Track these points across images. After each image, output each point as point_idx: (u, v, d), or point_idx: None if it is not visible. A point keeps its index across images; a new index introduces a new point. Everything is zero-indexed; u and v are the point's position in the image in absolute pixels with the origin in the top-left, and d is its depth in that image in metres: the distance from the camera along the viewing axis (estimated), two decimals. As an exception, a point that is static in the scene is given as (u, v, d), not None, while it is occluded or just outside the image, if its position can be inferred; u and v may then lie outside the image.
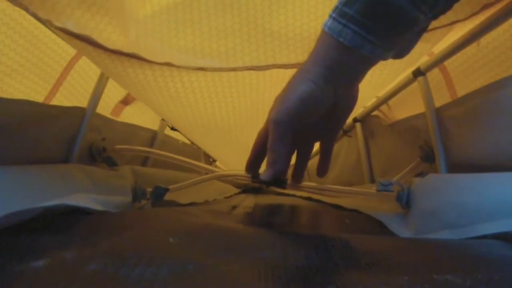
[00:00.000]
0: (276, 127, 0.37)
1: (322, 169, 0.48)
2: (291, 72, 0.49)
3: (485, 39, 0.55)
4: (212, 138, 0.94)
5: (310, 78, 0.36)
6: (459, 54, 0.59)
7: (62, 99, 0.72)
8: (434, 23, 0.44)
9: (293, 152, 0.46)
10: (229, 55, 0.57)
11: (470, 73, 0.64)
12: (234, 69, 0.60)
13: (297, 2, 0.53)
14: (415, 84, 0.72)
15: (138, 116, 1.01)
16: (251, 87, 0.66)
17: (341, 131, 1.21)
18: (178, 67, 0.58)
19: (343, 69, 0.36)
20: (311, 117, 0.39)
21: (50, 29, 0.51)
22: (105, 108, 0.85)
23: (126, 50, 0.53)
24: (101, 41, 0.51)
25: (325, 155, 0.46)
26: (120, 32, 0.52)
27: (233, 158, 1.29)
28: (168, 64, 0.57)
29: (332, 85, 0.37)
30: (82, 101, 0.71)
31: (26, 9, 0.43)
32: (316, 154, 0.50)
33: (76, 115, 0.66)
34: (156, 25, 0.52)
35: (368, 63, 0.36)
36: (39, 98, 0.68)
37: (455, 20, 0.50)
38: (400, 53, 0.38)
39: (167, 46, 0.55)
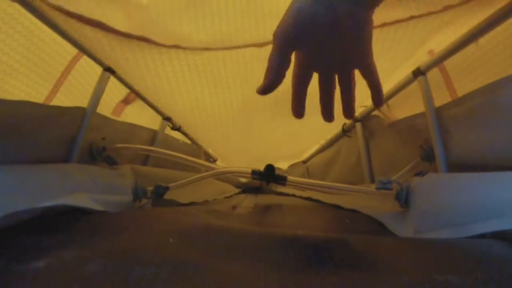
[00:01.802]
0: (274, 39, 0.38)
1: (344, 104, 0.44)
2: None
3: (484, 38, 0.55)
4: (214, 127, 0.97)
5: None
6: (458, 53, 0.59)
7: (63, 99, 0.72)
8: (429, 7, 0.43)
9: (288, 67, 0.43)
10: (231, 34, 0.60)
11: (469, 72, 0.64)
12: (236, 47, 0.63)
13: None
14: (414, 84, 0.72)
15: (139, 115, 1.01)
16: (252, 67, 0.69)
17: (340, 131, 1.21)
18: (184, 49, 0.61)
19: None
20: (311, 34, 0.38)
21: (52, 28, 0.51)
22: (106, 107, 0.84)
23: (135, 33, 0.56)
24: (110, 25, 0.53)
25: (344, 89, 0.43)
26: (126, 18, 0.54)
27: (234, 153, 1.31)
28: (175, 47, 0.60)
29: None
30: (83, 101, 0.71)
31: None
32: (313, 155, 0.49)
33: (76, 115, 0.66)
34: (159, 9, 0.54)
35: None
36: (40, 97, 0.68)
37: (448, 5, 0.50)
38: None
39: (171, 30, 0.57)
